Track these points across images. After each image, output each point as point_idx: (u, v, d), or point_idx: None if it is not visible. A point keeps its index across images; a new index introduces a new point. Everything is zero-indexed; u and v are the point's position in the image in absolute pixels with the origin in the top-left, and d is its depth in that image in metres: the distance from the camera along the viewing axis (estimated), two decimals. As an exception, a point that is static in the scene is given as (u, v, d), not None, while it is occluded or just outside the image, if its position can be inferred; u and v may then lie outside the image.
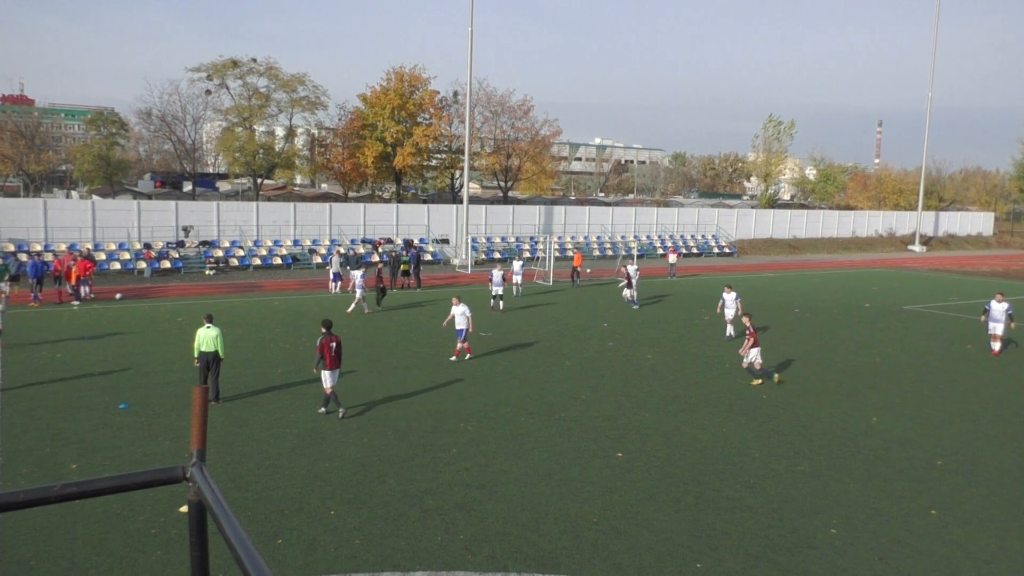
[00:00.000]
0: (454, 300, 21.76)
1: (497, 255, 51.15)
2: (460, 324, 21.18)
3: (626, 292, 32.77)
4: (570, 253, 51.70)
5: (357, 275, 29.29)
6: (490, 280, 30.74)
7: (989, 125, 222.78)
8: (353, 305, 29.12)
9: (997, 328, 24.02)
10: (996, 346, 24.08)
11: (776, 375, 19.76)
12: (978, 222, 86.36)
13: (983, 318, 24.79)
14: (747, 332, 19.87)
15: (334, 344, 15.93)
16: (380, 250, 46.30)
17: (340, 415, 15.73)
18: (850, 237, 73.63)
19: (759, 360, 19.64)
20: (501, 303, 30.00)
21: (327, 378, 15.92)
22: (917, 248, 72.28)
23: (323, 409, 16.06)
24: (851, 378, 20.46)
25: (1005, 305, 24.04)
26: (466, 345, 21.45)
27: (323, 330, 16.23)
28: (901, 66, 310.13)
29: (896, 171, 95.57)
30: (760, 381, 19.45)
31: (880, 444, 14.97)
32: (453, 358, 21.32)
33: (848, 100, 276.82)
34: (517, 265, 34.66)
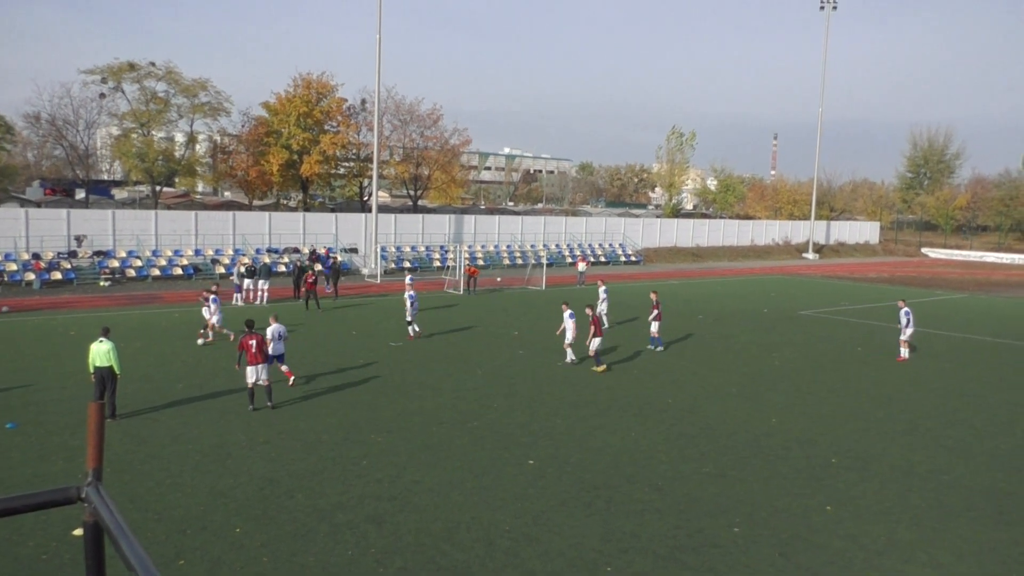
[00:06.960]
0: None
1: (407, 264, 50.85)
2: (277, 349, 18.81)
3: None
4: (480, 262, 51.98)
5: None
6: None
7: (875, 139, 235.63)
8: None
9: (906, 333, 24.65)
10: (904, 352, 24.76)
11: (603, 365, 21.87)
12: (865, 231, 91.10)
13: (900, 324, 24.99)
14: (590, 321, 22.15)
15: (253, 342, 16.65)
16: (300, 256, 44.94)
17: (269, 405, 16.85)
18: (749, 245, 76.40)
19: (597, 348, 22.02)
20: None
21: (250, 373, 16.63)
22: (810, 256, 75.75)
23: (252, 407, 16.72)
24: (753, 381, 21.23)
25: (906, 309, 24.70)
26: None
27: (244, 329, 17.17)
28: (794, 80, 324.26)
29: (791, 182, 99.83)
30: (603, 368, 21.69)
31: (780, 444, 15.57)
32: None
33: (746, 111, 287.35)
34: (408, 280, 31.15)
